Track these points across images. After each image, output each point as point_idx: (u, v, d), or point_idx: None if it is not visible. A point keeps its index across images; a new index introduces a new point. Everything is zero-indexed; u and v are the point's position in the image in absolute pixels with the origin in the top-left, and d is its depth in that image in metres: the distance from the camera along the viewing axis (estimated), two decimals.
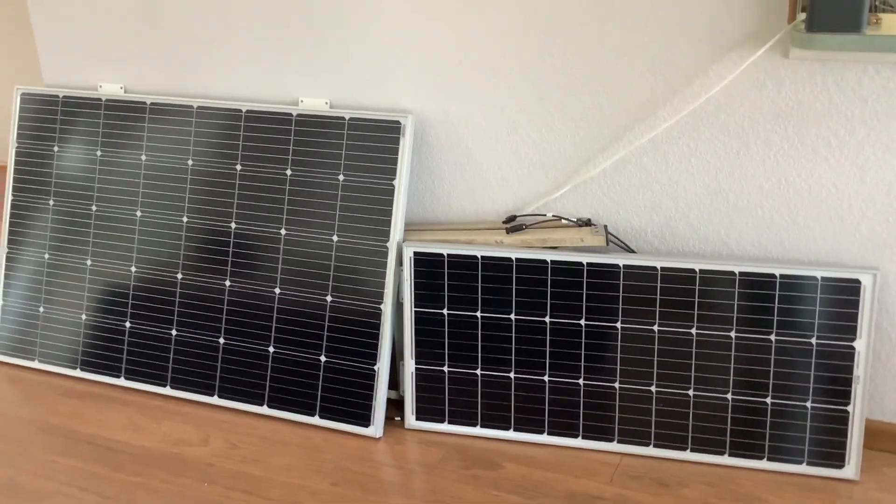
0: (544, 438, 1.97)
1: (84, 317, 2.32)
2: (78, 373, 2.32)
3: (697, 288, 1.83)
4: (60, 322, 2.34)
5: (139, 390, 2.26)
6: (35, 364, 2.37)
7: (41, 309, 2.37)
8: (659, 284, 1.85)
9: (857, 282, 1.76)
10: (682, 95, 1.85)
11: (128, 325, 2.26)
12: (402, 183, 2.00)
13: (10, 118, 2.43)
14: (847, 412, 1.80)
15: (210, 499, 1.83)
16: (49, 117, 2.36)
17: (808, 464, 1.83)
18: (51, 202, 2.36)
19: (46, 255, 2.36)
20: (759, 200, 1.86)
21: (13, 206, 2.40)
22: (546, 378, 1.94)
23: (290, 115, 2.11)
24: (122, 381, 2.27)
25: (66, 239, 2.34)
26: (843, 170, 1.79)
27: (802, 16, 1.67)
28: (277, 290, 2.11)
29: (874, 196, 1.78)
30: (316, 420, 2.07)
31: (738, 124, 1.83)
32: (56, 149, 2.35)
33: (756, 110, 1.80)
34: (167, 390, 2.22)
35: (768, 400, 1.83)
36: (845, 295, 1.76)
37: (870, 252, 1.82)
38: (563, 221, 2.00)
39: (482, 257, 1.94)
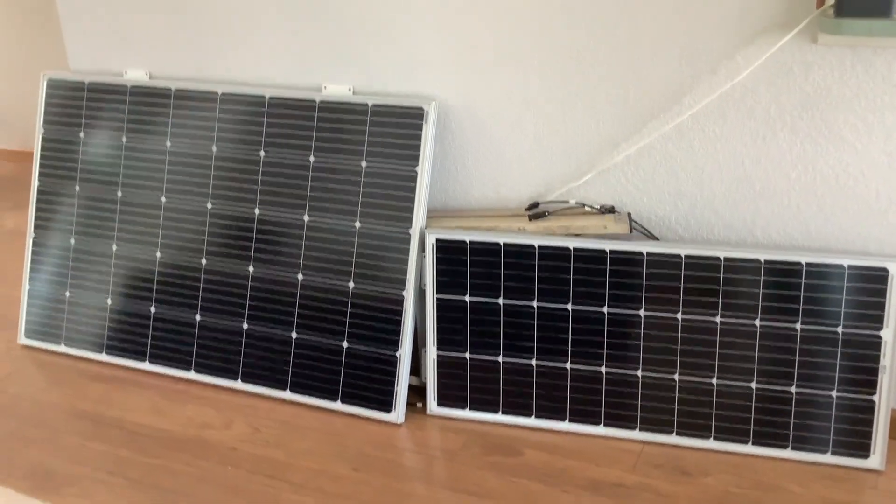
0: (566, 426, 1.97)
1: (109, 301, 2.34)
2: (104, 357, 2.34)
3: (722, 276, 1.82)
4: (86, 306, 2.37)
5: (164, 374, 2.28)
6: (61, 348, 2.40)
7: (67, 293, 2.39)
8: (683, 272, 1.84)
9: (885, 270, 1.74)
10: (708, 81, 1.83)
11: (152, 309, 2.28)
12: (424, 170, 2.00)
13: (37, 104, 2.44)
14: (873, 402, 1.78)
15: (233, 482, 1.85)
16: (75, 103, 2.38)
17: (833, 453, 1.82)
18: (77, 188, 2.38)
19: (72, 240, 2.39)
20: (786, 188, 1.84)
21: (40, 192, 2.43)
22: (568, 366, 1.94)
23: (314, 101, 2.11)
24: (146, 366, 2.29)
25: (91, 224, 2.36)
26: (871, 157, 1.76)
27: (831, 0, 1.64)
28: (300, 277, 2.12)
29: None
30: (338, 405, 2.08)
31: (764, 110, 1.81)
32: (82, 135, 2.37)
33: (783, 96, 1.78)
34: (191, 374, 2.24)
35: (793, 389, 1.82)
36: (872, 283, 1.74)
37: None
38: (587, 208, 1.99)
39: (505, 244, 1.93)
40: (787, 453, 1.84)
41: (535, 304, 1.94)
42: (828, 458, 1.82)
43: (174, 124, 2.26)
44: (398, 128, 2.02)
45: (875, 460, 1.80)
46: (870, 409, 1.78)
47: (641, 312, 1.87)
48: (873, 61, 1.69)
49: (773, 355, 1.82)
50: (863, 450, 1.80)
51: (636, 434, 1.92)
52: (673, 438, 1.90)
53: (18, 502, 1.80)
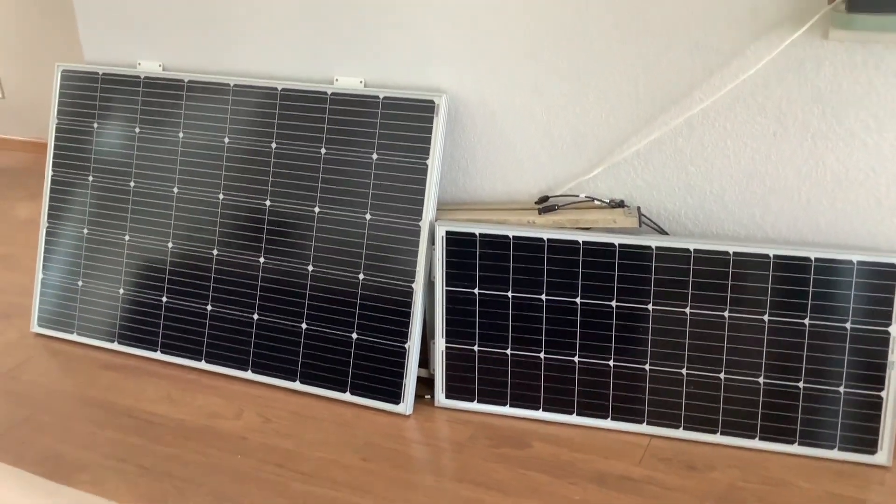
0: (573, 419, 1.97)
1: (122, 291, 2.36)
2: (115, 346, 2.36)
3: (731, 270, 1.82)
4: (99, 296, 2.39)
5: (175, 364, 2.29)
6: (74, 337, 2.42)
7: (80, 283, 2.41)
8: (692, 267, 1.84)
9: (894, 266, 1.73)
10: (719, 76, 1.83)
11: (164, 299, 2.30)
12: (435, 162, 2.01)
13: (51, 96, 2.46)
14: (880, 398, 1.78)
15: (243, 471, 1.86)
16: (89, 94, 2.39)
17: (840, 449, 1.82)
18: (90, 178, 2.39)
19: (85, 230, 2.40)
20: (796, 183, 1.84)
21: (53, 182, 2.45)
22: (576, 359, 1.95)
23: (325, 93, 2.12)
24: (158, 355, 2.31)
25: (104, 214, 2.38)
26: (881, 153, 1.76)
27: None
28: (311, 268, 2.13)
29: None
30: (347, 396, 2.09)
31: (775, 106, 1.81)
32: (95, 125, 2.39)
33: (794, 92, 1.78)
34: (202, 364, 2.26)
35: (800, 384, 1.82)
36: (881, 279, 1.74)
37: None
38: (596, 202, 2.00)
39: (514, 237, 1.94)
40: (795, 448, 1.84)
41: (543, 297, 1.94)
42: (835, 454, 1.82)
43: (187, 115, 2.27)
44: (409, 120, 2.03)
45: (882, 456, 1.80)
46: (877, 405, 1.78)
47: (650, 306, 1.88)
48: (884, 57, 1.69)
49: (781, 350, 1.82)
50: (870, 446, 1.80)
51: (643, 428, 1.93)
52: (680, 433, 1.91)
53: (34, 484, 1.82)
